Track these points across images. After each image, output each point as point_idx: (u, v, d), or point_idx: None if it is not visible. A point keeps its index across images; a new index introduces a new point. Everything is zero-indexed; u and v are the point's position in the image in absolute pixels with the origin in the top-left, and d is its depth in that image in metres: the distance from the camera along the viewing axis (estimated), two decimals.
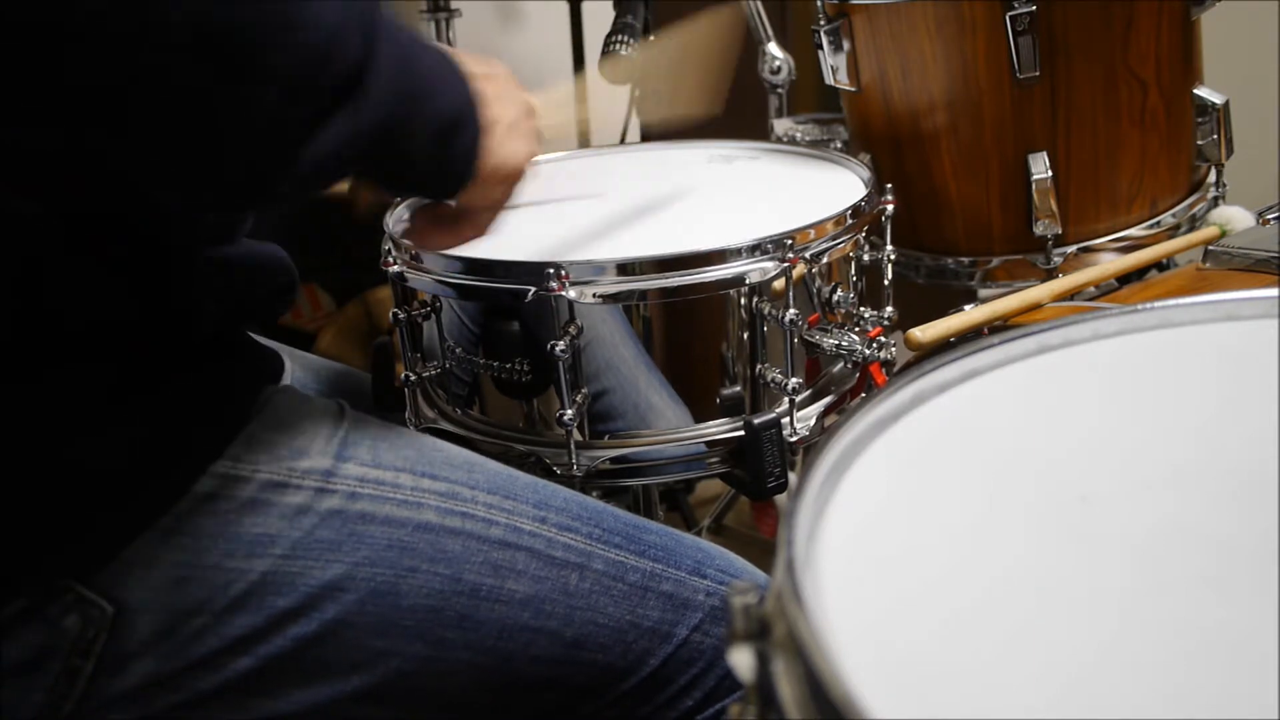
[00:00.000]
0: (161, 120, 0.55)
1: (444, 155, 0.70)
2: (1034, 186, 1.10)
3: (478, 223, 0.83)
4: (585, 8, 1.85)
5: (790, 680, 0.37)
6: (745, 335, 0.85)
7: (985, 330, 0.98)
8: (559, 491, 0.79)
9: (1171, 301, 0.60)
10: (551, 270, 0.79)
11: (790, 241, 0.82)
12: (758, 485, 0.84)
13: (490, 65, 0.76)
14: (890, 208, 0.97)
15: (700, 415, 0.87)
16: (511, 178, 0.76)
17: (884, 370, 0.90)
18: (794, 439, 0.87)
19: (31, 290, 0.63)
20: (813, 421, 0.89)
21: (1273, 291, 0.59)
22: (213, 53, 0.53)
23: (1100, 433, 0.52)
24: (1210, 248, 1.02)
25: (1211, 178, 1.21)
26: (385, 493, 0.71)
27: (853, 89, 1.18)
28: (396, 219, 0.98)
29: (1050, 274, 1.13)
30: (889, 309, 0.98)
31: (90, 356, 0.65)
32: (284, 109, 0.57)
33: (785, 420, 0.86)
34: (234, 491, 0.67)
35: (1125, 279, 1.12)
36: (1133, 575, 0.42)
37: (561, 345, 0.80)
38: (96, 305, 0.65)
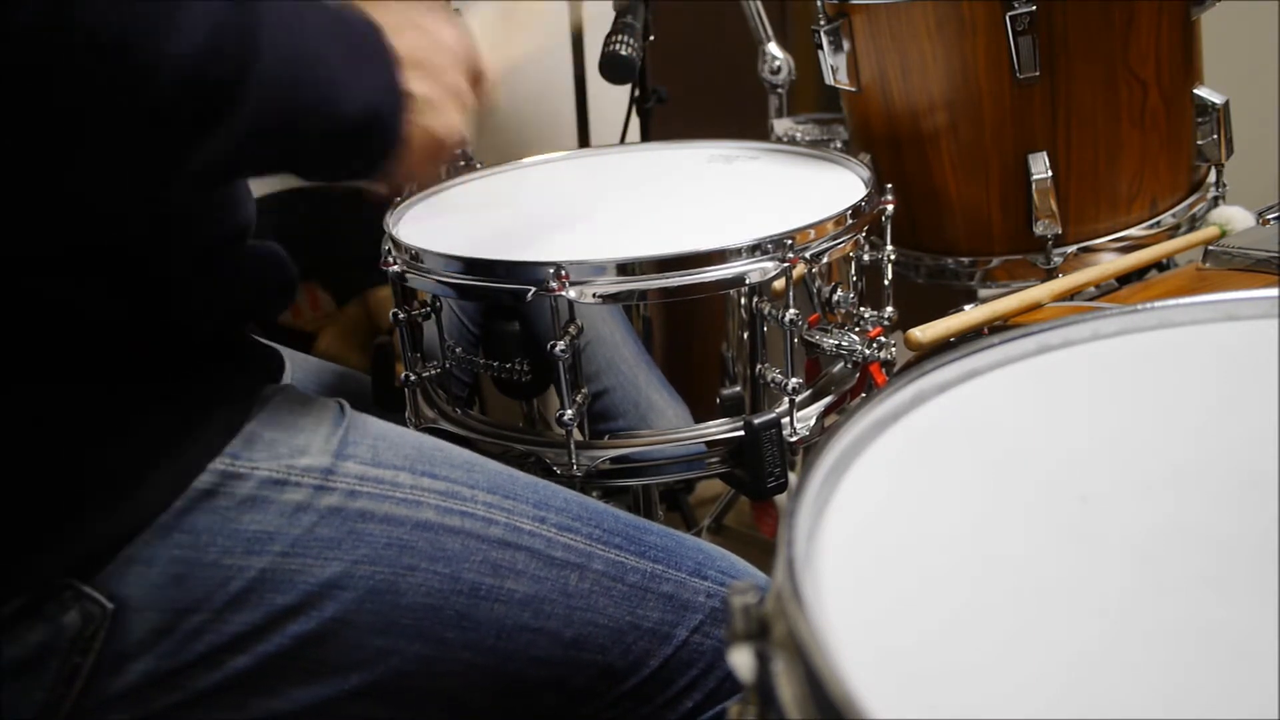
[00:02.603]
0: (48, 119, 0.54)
1: (350, 155, 0.67)
2: (1034, 186, 1.10)
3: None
4: (585, 8, 1.84)
5: (790, 680, 0.37)
6: (745, 335, 0.85)
7: (985, 330, 0.98)
8: (559, 492, 0.79)
9: (1171, 301, 0.60)
10: (551, 270, 0.79)
11: (790, 241, 0.82)
12: (758, 485, 0.84)
13: (425, 23, 0.71)
14: (890, 208, 0.97)
15: (700, 415, 0.87)
16: (435, 155, 0.71)
17: (884, 370, 0.90)
18: (794, 439, 0.87)
19: (31, 291, 0.63)
20: (813, 421, 0.89)
21: (1273, 291, 0.59)
22: (97, 53, 0.52)
23: (1100, 433, 0.52)
24: (1210, 248, 1.02)
25: (1211, 178, 1.21)
26: (385, 491, 0.71)
27: (853, 89, 1.18)
28: (396, 219, 0.98)
29: (1050, 274, 1.13)
30: (889, 309, 0.98)
31: (91, 356, 0.65)
32: (159, 120, 0.56)
33: (785, 420, 0.86)
34: (233, 489, 0.67)
35: (1125, 279, 1.12)
36: (1133, 575, 0.42)
37: (561, 345, 0.80)
38: (97, 306, 0.65)
